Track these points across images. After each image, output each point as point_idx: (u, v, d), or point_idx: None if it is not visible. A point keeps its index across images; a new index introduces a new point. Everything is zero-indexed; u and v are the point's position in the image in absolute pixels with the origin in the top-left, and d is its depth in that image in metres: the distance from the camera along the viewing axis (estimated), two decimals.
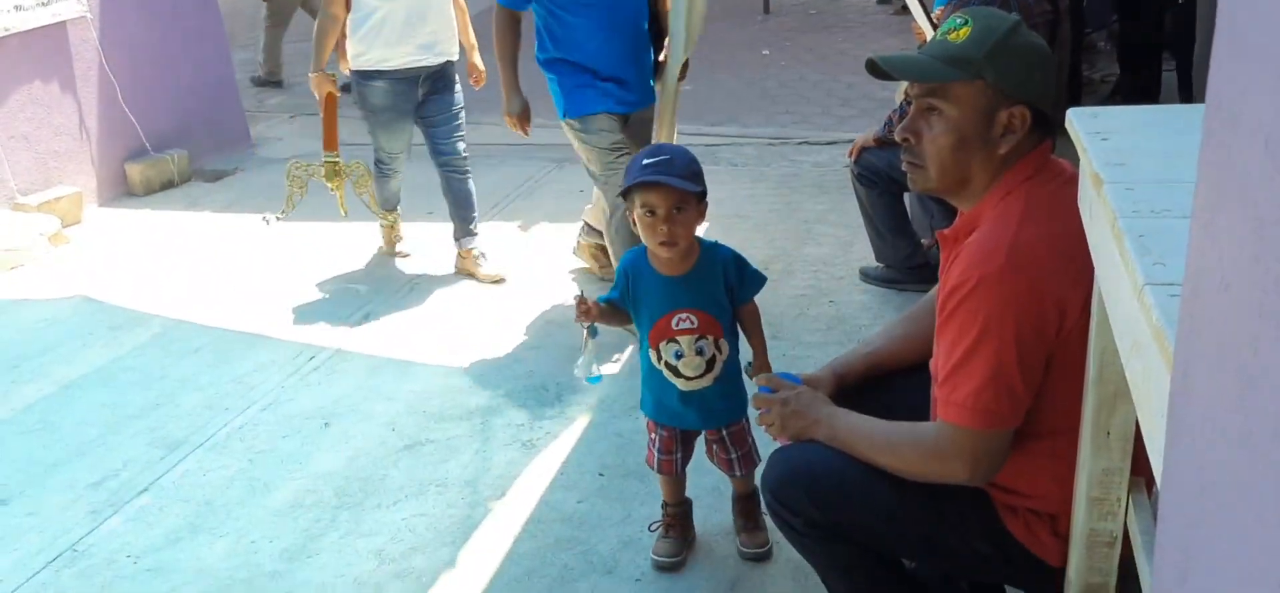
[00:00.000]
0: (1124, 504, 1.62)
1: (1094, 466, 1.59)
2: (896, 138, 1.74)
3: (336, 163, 4.39)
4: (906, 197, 3.89)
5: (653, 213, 2.13)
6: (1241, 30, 0.65)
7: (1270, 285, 0.58)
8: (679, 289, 2.22)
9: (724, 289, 2.24)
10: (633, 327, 2.33)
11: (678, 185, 2.11)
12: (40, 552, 2.66)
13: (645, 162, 2.14)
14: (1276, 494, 0.57)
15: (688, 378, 2.23)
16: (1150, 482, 1.71)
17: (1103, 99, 5.52)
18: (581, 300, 2.22)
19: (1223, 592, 0.67)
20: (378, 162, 4.35)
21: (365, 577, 2.47)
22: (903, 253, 3.78)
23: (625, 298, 2.27)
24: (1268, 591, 0.58)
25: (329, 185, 4.42)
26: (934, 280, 4.02)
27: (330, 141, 4.36)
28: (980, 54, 1.61)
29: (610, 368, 3.38)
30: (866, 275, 3.92)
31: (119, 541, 2.69)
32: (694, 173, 2.16)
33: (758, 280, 2.30)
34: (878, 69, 1.72)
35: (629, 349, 3.47)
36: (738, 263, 2.28)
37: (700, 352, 2.21)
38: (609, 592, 2.35)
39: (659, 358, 2.24)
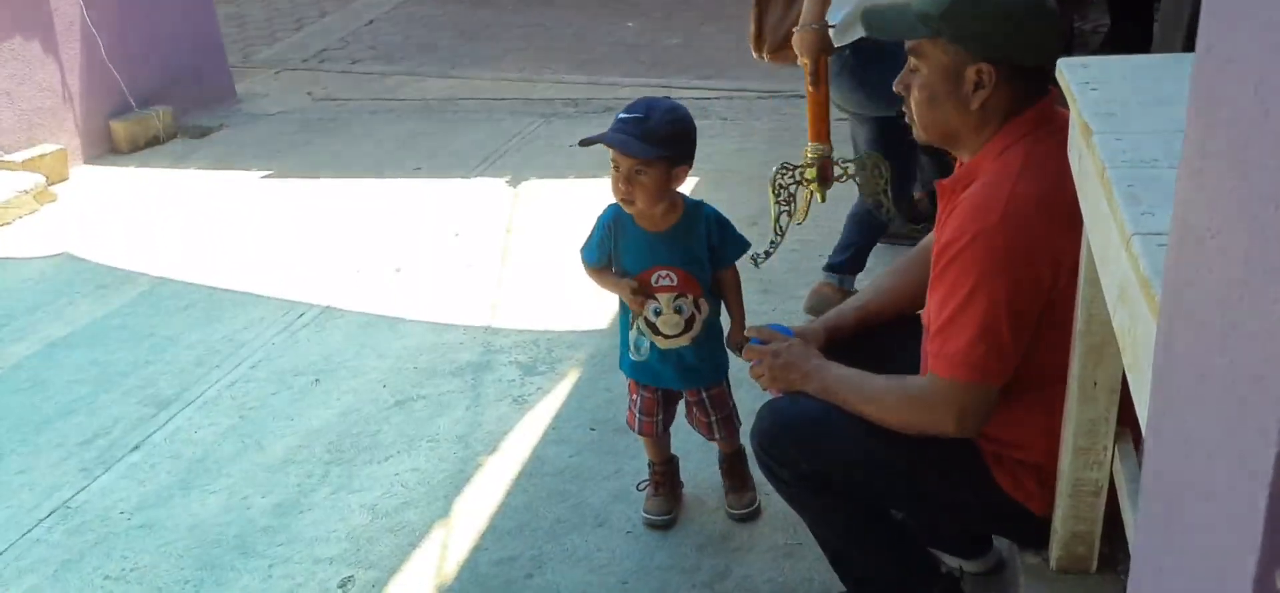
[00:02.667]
0: (1110, 454, 1.63)
1: (1081, 415, 1.61)
2: (895, 90, 1.75)
3: (829, 158, 3.06)
4: None
5: (616, 168, 2.12)
6: None
7: (1257, 232, 0.58)
8: (659, 245, 2.20)
9: (706, 248, 2.22)
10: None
11: (632, 152, 2.07)
12: (32, 509, 2.66)
13: (620, 115, 2.12)
14: (1258, 441, 0.57)
15: (665, 336, 2.23)
16: (1136, 431, 1.73)
17: (1094, 50, 5.50)
18: (638, 290, 2.19)
19: (1207, 539, 0.68)
20: (903, 161, 3.25)
21: (358, 531, 2.49)
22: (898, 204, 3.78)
23: (608, 251, 2.24)
24: (1251, 538, 0.58)
25: (812, 189, 3.07)
26: (920, 233, 4.01)
27: (821, 130, 3.02)
28: (937, 11, 1.61)
29: (599, 323, 3.38)
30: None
31: (111, 497, 2.69)
32: (667, 137, 2.09)
33: (740, 245, 2.27)
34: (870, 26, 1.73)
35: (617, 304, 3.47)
36: (720, 224, 2.25)
37: (678, 310, 2.20)
38: (601, 544, 2.37)
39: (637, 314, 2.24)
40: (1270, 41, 0.57)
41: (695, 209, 2.24)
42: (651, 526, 2.40)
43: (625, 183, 2.12)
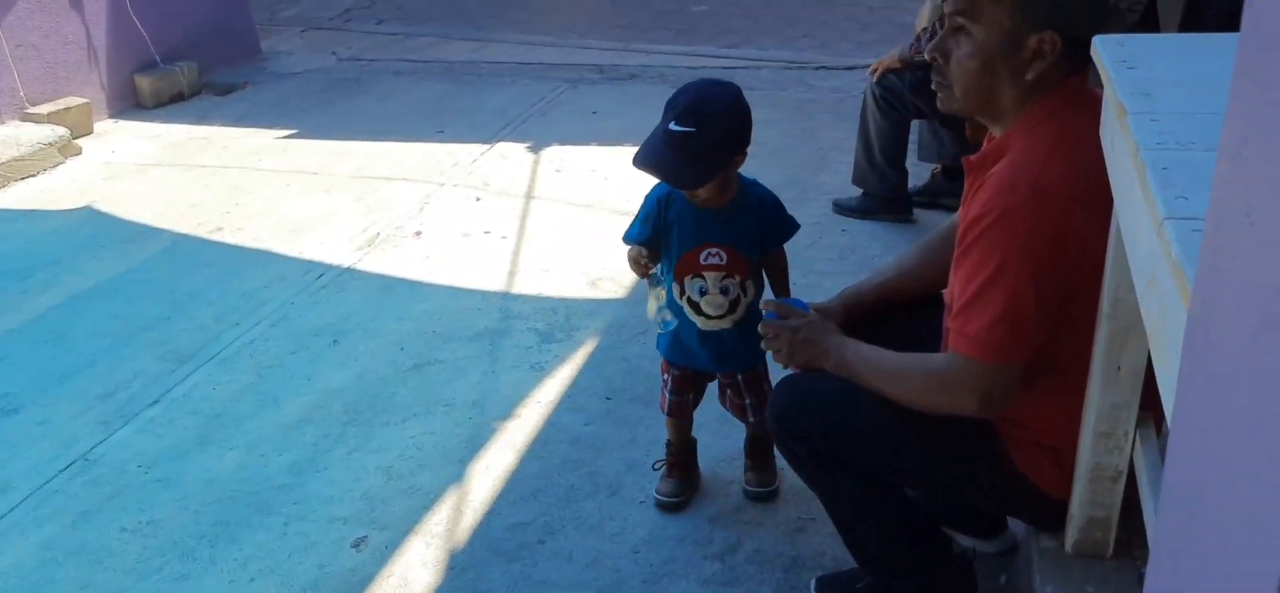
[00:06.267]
0: (1131, 439, 1.61)
1: (1103, 400, 1.58)
2: (927, 56, 1.69)
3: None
4: (920, 123, 3.83)
5: None
6: None
7: None
8: (710, 222, 2.15)
9: (758, 230, 2.18)
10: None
11: (690, 186, 2.06)
12: (52, 460, 2.68)
13: (671, 126, 2.01)
14: None
15: (708, 317, 2.19)
16: (1159, 419, 1.71)
17: (1129, 28, 5.40)
18: (642, 257, 2.15)
19: (1232, 532, 0.66)
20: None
21: (373, 492, 2.49)
22: (889, 183, 3.73)
23: (657, 229, 2.19)
24: (1278, 537, 0.56)
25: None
26: (910, 214, 4.02)
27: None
28: None
29: (618, 292, 3.37)
30: (840, 207, 3.86)
31: (129, 450, 2.71)
32: (725, 145, 2.04)
33: (790, 227, 2.22)
34: None
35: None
36: (774, 206, 2.20)
37: (724, 290, 2.16)
38: (614, 513, 2.36)
39: (682, 292, 2.19)
40: None
41: (750, 188, 2.19)
42: (662, 507, 2.37)
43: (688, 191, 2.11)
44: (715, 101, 2.04)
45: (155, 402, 2.92)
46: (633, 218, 2.24)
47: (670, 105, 2.05)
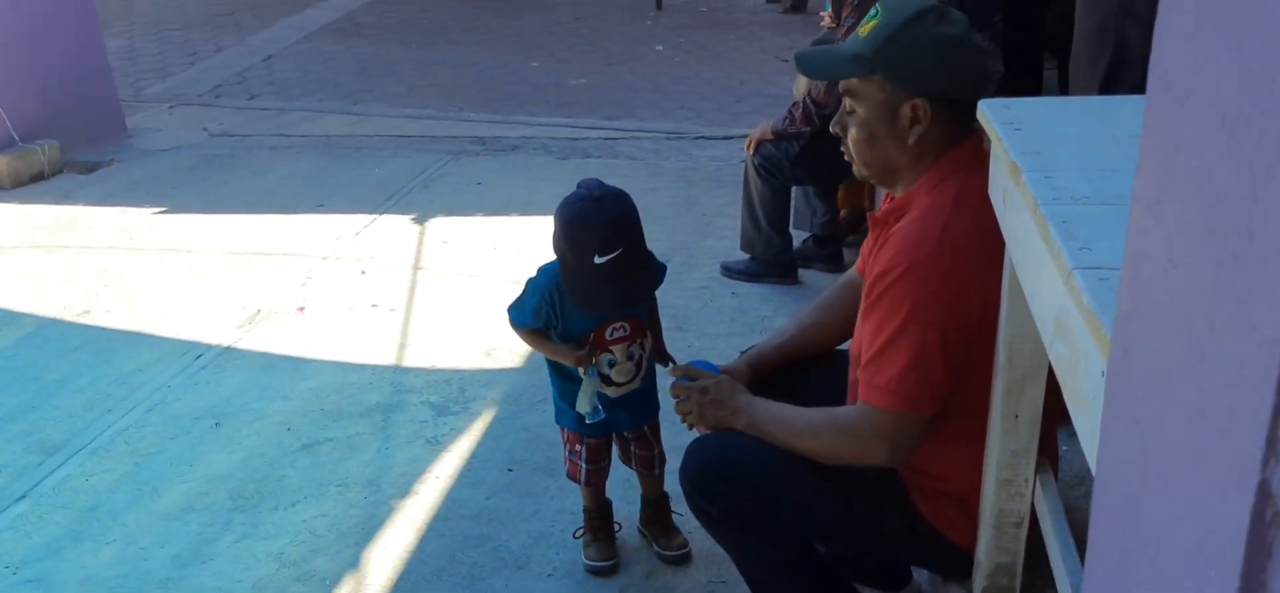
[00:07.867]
0: (1031, 485, 1.67)
1: (1003, 448, 1.64)
2: (832, 130, 1.77)
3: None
4: (796, 190, 3.94)
5: None
6: (1191, 9, 0.66)
7: (1227, 261, 0.59)
8: None
9: None
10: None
11: (627, 306, 2.12)
12: None
13: (596, 258, 2.02)
14: (1232, 466, 0.58)
15: (619, 385, 2.19)
16: (1054, 462, 1.78)
17: (988, 96, 5.69)
18: (589, 350, 2.15)
19: (1170, 568, 0.68)
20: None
21: (265, 581, 2.38)
22: (775, 247, 3.82)
23: (551, 317, 2.16)
24: (1223, 565, 0.59)
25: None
26: (795, 277, 4.14)
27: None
28: (872, 50, 1.64)
29: (514, 361, 3.34)
30: (728, 270, 3.92)
31: None
32: (639, 263, 2.12)
33: (663, 269, 2.25)
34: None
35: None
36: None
37: (631, 357, 2.17)
38: (522, 589, 2.31)
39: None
40: (1234, 76, 0.58)
41: None
42: (596, 573, 2.33)
43: None
44: (619, 210, 2.06)
45: (22, 496, 2.74)
46: (519, 299, 2.20)
47: (582, 243, 2.03)
